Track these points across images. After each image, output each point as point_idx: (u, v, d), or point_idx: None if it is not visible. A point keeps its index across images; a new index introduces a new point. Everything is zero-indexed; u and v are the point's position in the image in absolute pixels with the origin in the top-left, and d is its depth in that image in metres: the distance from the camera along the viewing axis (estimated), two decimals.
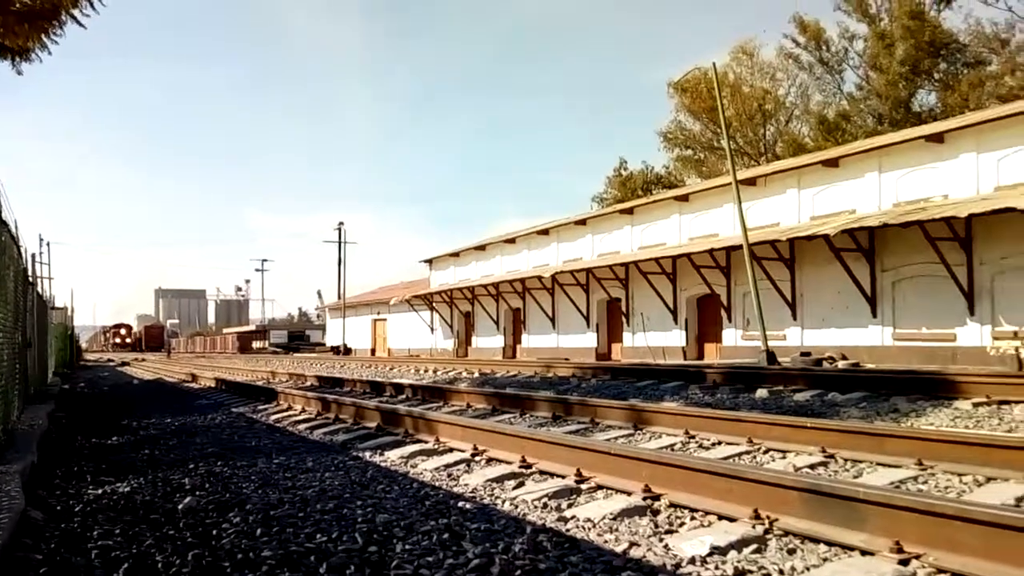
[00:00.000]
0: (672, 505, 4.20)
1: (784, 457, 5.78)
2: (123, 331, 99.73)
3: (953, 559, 3.03)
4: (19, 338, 9.58)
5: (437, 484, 5.17)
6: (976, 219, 16.16)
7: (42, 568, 3.51)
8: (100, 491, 5.31)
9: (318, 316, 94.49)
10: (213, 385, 17.84)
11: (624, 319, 28.18)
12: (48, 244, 45.12)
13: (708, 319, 25.29)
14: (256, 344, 74.21)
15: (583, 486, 4.78)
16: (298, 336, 74.59)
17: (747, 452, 6.07)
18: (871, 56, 41.46)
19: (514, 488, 4.93)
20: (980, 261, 17.35)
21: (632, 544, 3.55)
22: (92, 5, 8.32)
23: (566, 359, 24.38)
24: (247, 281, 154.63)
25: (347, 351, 49.95)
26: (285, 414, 10.33)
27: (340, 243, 61.49)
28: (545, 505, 4.45)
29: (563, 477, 5.03)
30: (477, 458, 6.01)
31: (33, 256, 15.55)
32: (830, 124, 42.40)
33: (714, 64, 21.23)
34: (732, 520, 3.81)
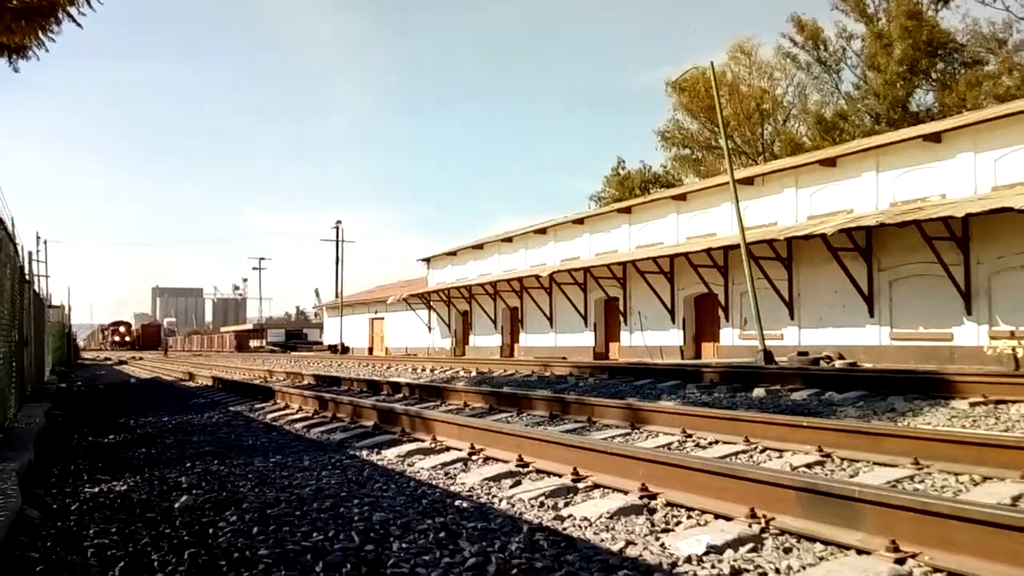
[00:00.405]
0: (669, 504, 4.21)
1: (781, 456, 5.79)
2: (122, 329, 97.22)
3: (949, 558, 3.04)
4: (16, 336, 9.57)
5: (434, 483, 5.17)
6: (973, 219, 16.19)
7: (38, 566, 3.50)
8: (97, 489, 5.31)
9: (315, 315, 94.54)
10: (210, 384, 17.83)
11: (622, 318, 28.19)
12: (45, 242, 44.98)
13: (705, 318, 25.30)
14: (253, 343, 74.17)
15: (580, 485, 4.78)
16: (295, 335, 74.54)
17: (744, 451, 6.08)
18: (869, 56, 41.52)
19: (511, 487, 4.93)
20: (977, 261, 17.38)
21: (628, 543, 3.56)
22: (89, 3, 8.32)
23: (564, 358, 24.39)
24: (244, 280, 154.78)
25: (344, 350, 49.91)
26: (282, 413, 10.32)
27: (338, 242, 61.50)
28: (542, 504, 4.45)
29: (560, 476, 5.03)
30: (474, 457, 6.01)
31: (30, 254, 15.54)
32: (828, 123, 42.46)
33: (712, 63, 21.26)
34: (728, 519, 3.82)
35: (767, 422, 6.52)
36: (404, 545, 3.60)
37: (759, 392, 10.83)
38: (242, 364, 29.41)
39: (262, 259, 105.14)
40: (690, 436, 6.76)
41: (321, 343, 60.42)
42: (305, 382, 17.13)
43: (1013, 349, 14.87)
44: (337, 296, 57.50)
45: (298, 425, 8.86)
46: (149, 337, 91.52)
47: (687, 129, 48.17)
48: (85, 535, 4.04)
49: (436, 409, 9.85)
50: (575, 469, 4.98)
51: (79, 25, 8.42)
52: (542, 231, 33.81)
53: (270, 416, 10.09)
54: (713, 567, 3.22)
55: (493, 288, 34.84)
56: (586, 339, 29.89)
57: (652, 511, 4.14)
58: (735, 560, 3.28)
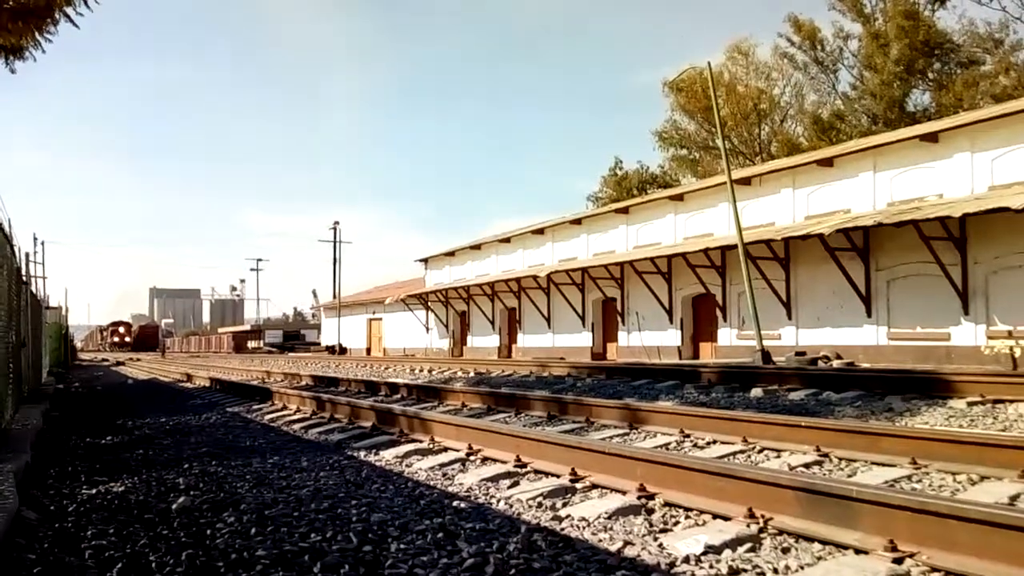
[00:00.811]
0: (667, 504, 4.20)
1: (779, 456, 5.79)
2: (121, 329, 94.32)
3: (947, 557, 3.04)
4: (13, 337, 9.54)
5: (432, 483, 5.16)
6: (970, 219, 16.21)
7: (36, 568, 3.50)
8: (94, 491, 5.30)
9: (313, 316, 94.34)
10: (208, 385, 17.80)
11: (619, 318, 28.21)
12: (42, 243, 45.02)
13: (703, 318, 25.32)
14: (251, 344, 74.10)
15: (578, 485, 4.78)
16: (293, 336, 74.44)
17: (742, 451, 6.08)
18: (865, 56, 41.59)
19: (509, 487, 4.93)
20: (974, 260, 17.40)
21: (627, 543, 3.55)
22: (87, 3, 8.30)
23: (562, 358, 24.39)
24: (242, 281, 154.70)
25: (342, 351, 49.89)
26: (280, 414, 10.31)
27: (335, 242, 61.36)
28: (540, 504, 4.44)
29: (558, 476, 5.03)
30: (472, 457, 6.00)
31: (27, 255, 15.50)
32: (824, 124, 42.54)
33: (709, 64, 21.28)
34: (727, 519, 3.81)
35: (765, 422, 6.52)
36: (402, 546, 3.60)
37: (757, 392, 10.83)
38: (240, 365, 29.37)
39: (259, 260, 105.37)
40: (688, 436, 6.77)
41: (319, 344, 60.37)
42: (303, 383, 17.11)
43: (1010, 349, 14.88)
44: (335, 297, 57.46)
45: (296, 426, 8.85)
46: (147, 338, 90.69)
47: (684, 129, 48.25)
48: (83, 536, 4.03)
49: (434, 410, 9.84)
50: (573, 469, 4.98)
51: (76, 26, 8.40)
52: (540, 231, 33.82)
53: (268, 417, 10.08)
54: (711, 567, 3.22)
55: (491, 289, 34.83)
56: (584, 339, 29.90)
57: (650, 511, 4.14)
58: (733, 560, 3.28)
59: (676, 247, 25.20)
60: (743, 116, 45.36)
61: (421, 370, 21.70)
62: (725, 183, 19.85)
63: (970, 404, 8.56)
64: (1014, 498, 4.23)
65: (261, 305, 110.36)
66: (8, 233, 9.27)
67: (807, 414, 8.10)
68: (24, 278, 13.15)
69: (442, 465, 5.81)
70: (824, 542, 3.42)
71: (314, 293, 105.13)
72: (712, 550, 3.38)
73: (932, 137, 19.21)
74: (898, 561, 3.10)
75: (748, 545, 3.45)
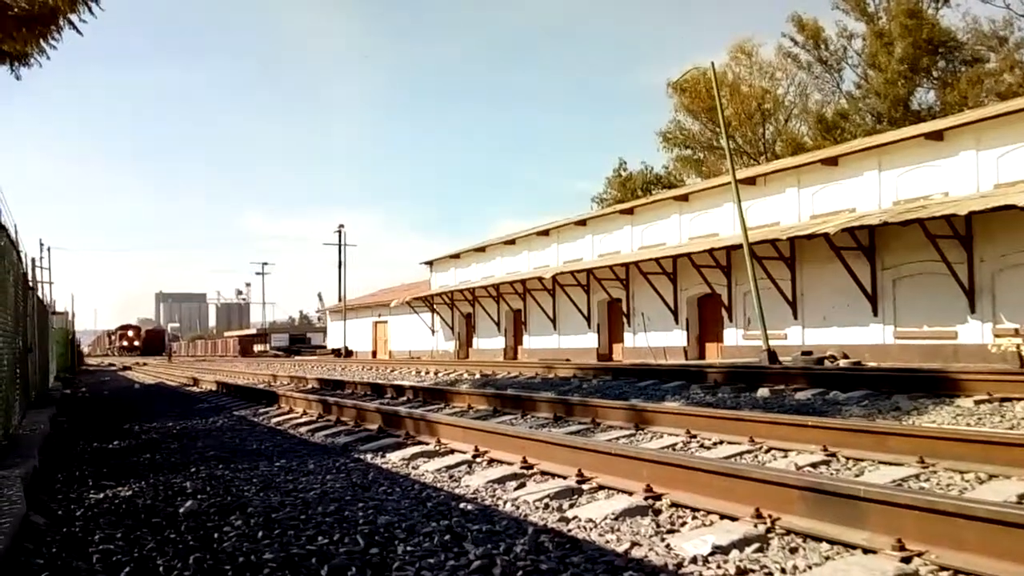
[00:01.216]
0: (674, 505, 4.20)
1: (786, 456, 5.78)
2: (130, 333, 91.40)
3: (955, 556, 3.03)
4: (20, 343, 9.58)
5: (438, 485, 5.17)
6: (976, 217, 16.15)
7: (44, 572, 3.51)
8: (102, 495, 5.31)
9: (319, 319, 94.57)
10: (214, 389, 17.85)
11: (625, 319, 28.17)
12: (48, 249, 45.17)
13: (709, 319, 25.27)
14: (257, 347, 74.21)
15: (584, 486, 4.77)
16: (299, 339, 74.58)
17: (749, 451, 6.07)
18: (869, 55, 41.50)
19: (515, 489, 4.93)
20: (981, 259, 17.34)
21: (634, 544, 3.55)
22: (90, 10, 8.34)
23: (567, 360, 24.37)
24: (248, 284, 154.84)
25: (348, 354, 49.94)
26: (286, 417, 10.33)
27: (340, 245, 61.57)
28: (547, 506, 4.44)
29: (564, 478, 5.03)
30: (478, 459, 6.00)
31: (33, 261, 15.56)
32: (829, 123, 42.45)
33: (712, 64, 21.21)
34: (734, 519, 3.81)
35: (772, 422, 6.51)
36: (409, 548, 3.60)
37: (763, 392, 10.81)
38: (246, 369, 29.43)
39: (265, 264, 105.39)
40: (695, 437, 6.75)
41: (325, 347, 60.43)
42: (309, 386, 17.14)
43: (1017, 347, 14.81)
44: (340, 300, 57.55)
45: (302, 429, 8.86)
46: (153, 342, 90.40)
47: (688, 130, 48.16)
48: (90, 541, 4.05)
49: (440, 412, 9.85)
50: (580, 471, 4.98)
51: (80, 32, 8.45)
52: (544, 233, 33.81)
53: (274, 420, 10.10)
54: (719, 567, 3.21)
55: (496, 290, 34.83)
56: (589, 341, 29.87)
57: (657, 512, 4.13)
58: (741, 560, 3.27)
59: (681, 247, 25.15)
60: (747, 116, 45.29)
61: (427, 372, 21.72)
62: (730, 183, 19.80)
63: (977, 403, 8.52)
64: (1022, 497, 4.21)
65: (267, 309, 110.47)
66: (14, 239, 9.32)
67: (814, 414, 8.08)
68: (30, 284, 13.21)
69: (448, 467, 5.81)
70: (832, 542, 3.41)
71: (319, 296, 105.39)
72: (719, 550, 3.38)
73: (937, 135, 19.14)
74: (906, 560, 3.09)
75: (756, 545, 3.44)
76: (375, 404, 10.45)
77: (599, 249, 30.59)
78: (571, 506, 4.41)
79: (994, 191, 17.43)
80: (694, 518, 3.99)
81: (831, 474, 5.11)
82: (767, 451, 6.02)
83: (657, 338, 26.54)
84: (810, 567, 3.18)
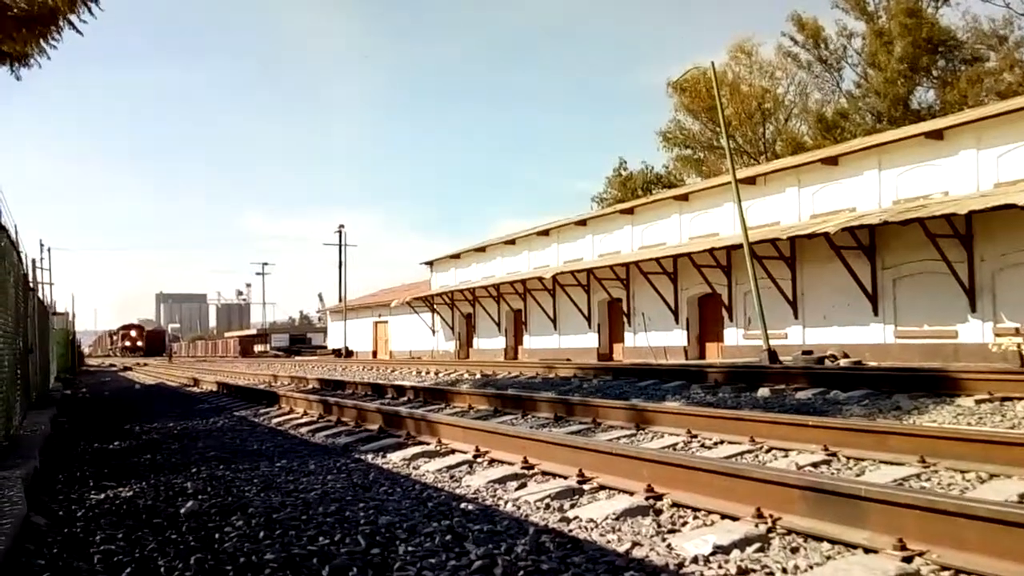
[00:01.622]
0: (675, 505, 4.20)
1: (786, 456, 5.78)
2: (133, 333, 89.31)
3: (956, 556, 3.03)
4: (20, 344, 9.58)
5: (439, 486, 5.17)
6: (976, 216, 16.14)
7: (45, 573, 3.51)
8: (102, 496, 5.31)
9: (319, 319, 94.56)
10: (215, 389, 17.85)
11: (625, 319, 28.17)
12: (49, 249, 45.16)
13: (709, 318, 25.27)
14: (258, 348, 74.25)
15: (585, 487, 4.77)
16: (299, 339, 74.60)
17: (749, 451, 6.07)
18: (869, 54, 41.50)
19: (516, 489, 4.93)
20: (981, 258, 17.33)
21: (635, 544, 3.55)
22: (90, 11, 8.34)
23: (567, 360, 24.37)
24: (248, 285, 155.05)
25: (349, 354, 49.94)
26: (287, 417, 10.33)
27: (340, 246, 61.54)
28: (547, 506, 4.44)
29: (565, 478, 5.03)
30: (479, 459, 6.00)
31: (33, 261, 15.56)
32: (829, 122, 42.44)
33: (712, 63, 21.21)
34: (735, 519, 3.81)
35: (772, 421, 6.51)
36: (410, 548, 3.60)
37: (764, 392, 10.81)
38: (246, 369, 29.44)
39: (265, 264, 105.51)
40: (695, 437, 6.75)
41: (325, 347, 60.45)
42: (309, 386, 17.14)
43: (1018, 346, 14.81)
44: (341, 300, 57.57)
45: (303, 429, 8.86)
46: (154, 343, 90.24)
47: (688, 129, 48.17)
48: (91, 541, 4.05)
49: (441, 412, 9.86)
50: (580, 471, 4.98)
51: (80, 33, 8.45)
52: (545, 233, 33.81)
53: (275, 421, 10.10)
54: (720, 567, 3.21)
55: (496, 290, 34.83)
56: (590, 340, 29.87)
57: (658, 512, 4.13)
58: (742, 560, 3.27)
59: (681, 247, 25.16)
60: (747, 115, 45.28)
61: (427, 372, 21.72)
62: (730, 183, 19.80)
63: (978, 402, 8.52)
64: (1023, 496, 4.21)
65: (267, 309, 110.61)
66: (15, 239, 9.32)
67: (814, 413, 8.08)
68: (31, 284, 13.21)
69: (449, 467, 5.81)
70: (833, 541, 3.41)
71: (320, 297, 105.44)
72: (721, 550, 3.38)
73: (937, 134, 19.14)
74: (907, 560, 3.09)
75: (757, 545, 3.44)
76: (376, 404, 10.45)
77: (599, 249, 30.59)
78: (572, 506, 4.41)
79: (994, 190, 17.42)
80: (695, 518, 3.99)
81: (832, 474, 5.11)
82: (768, 451, 6.02)
83: (657, 338, 26.54)
84: (811, 567, 3.18)
